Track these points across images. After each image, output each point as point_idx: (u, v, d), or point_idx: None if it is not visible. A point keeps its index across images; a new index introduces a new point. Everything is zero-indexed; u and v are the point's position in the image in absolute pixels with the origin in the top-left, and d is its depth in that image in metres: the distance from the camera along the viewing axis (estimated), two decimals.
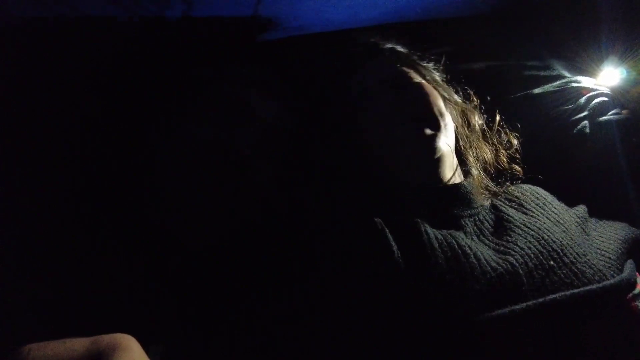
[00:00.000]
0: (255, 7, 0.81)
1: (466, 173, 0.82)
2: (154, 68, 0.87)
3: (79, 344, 0.34)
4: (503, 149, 0.89)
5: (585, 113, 0.97)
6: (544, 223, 0.71)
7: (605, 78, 1.03)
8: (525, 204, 0.78)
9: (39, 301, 0.61)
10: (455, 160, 0.81)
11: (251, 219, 0.74)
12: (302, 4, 0.84)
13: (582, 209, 0.81)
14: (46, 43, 0.77)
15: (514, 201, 0.79)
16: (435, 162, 0.75)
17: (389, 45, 0.85)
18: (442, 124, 0.76)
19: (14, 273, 0.63)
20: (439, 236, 0.63)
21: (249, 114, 0.77)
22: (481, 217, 0.72)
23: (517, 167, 0.89)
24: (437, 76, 0.88)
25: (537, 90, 1.02)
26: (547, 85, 1.04)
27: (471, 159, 0.83)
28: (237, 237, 0.72)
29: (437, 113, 0.77)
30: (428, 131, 0.74)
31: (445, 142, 0.75)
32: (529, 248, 0.64)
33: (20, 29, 0.74)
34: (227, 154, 0.73)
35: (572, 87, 1.02)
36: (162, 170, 0.76)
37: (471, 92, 0.91)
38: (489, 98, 0.92)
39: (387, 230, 0.64)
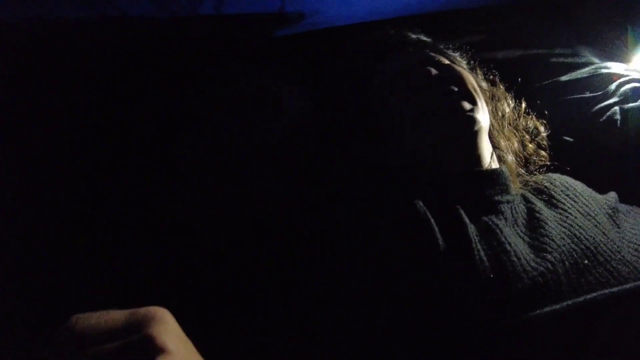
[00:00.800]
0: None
1: (500, 159, 0.80)
2: (185, 63, 0.88)
3: (120, 315, 0.35)
4: (529, 136, 0.87)
5: (615, 99, 0.94)
6: (576, 218, 0.69)
7: (639, 63, 1.01)
8: (555, 195, 0.76)
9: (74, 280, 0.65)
10: (490, 145, 0.79)
11: (282, 209, 0.74)
12: None
13: (612, 197, 0.78)
14: (79, 41, 0.80)
15: (544, 192, 0.77)
16: (474, 135, 0.71)
17: (415, 36, 0.83)
18: (477, 100, 0.74)
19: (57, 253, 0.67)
20: (477, 232, 0.61)
21: (277, 106, 0.78)
22: (515, 206, 0.70)
23: (543, 153, 0.87)
24: (464, 64, 0.87)
25: (564, 78, 1.00)
26: (575, 72, 1.01)
27: (503, 145, 0.81)
28: (269, 228, 0.73)
29: (472, 89, 0.74)
30: (467, 104, 0.71)
31: (483, 115, 0.73)
32: (564, 245, 0.62)
33: (57, 26, 0.77)
34: (257, 145, 0.74)
35: (602, 73, 0.99)
36: (196, 162, 0.77)
37: (497, 80, 0.90)
38: (515, 86, 0.91)
39: (431, 220, 0.61)
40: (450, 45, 0.90)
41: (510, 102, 0.87)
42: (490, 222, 0.63)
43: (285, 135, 0.78)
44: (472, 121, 0.70)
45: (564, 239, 0.64)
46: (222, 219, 0.74)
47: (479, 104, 0.74)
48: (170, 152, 0.81)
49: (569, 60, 1.03)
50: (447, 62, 0.80)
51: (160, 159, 0.81)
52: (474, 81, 0.78)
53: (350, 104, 0.82)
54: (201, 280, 0.68)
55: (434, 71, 0.74)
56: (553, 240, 0.63)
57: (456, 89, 0.73)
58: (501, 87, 0.89)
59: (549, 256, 0.60)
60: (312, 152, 0.81)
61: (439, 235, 0.59)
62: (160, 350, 0.33)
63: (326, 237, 0.66)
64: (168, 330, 0.35)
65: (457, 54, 0.89)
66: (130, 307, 0.37)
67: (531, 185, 0.80)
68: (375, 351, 0.55)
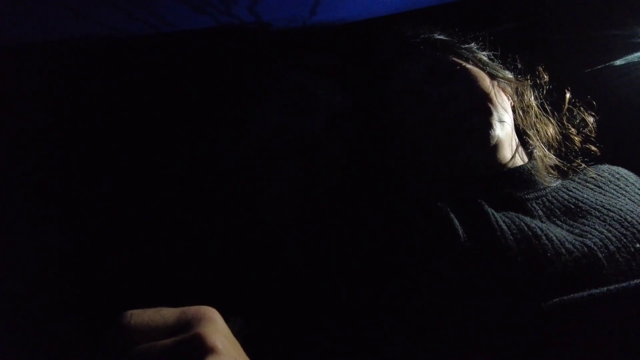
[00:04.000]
0: None
1: (530, 154, 0.77)
2: (227, 63, 0.93)
3: (171, 312, 0.36)
4: (575, 128, 0.82)
5: None
6: (626, 204, 0.65)
7: None
8: (602, 185, 0.72)
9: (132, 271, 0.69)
10: (515, 141, 0.76)
11: (321, 201, 0.77)
12: None
13: None
14: (122, 48, 0.86)
15: (590, 182, 0.74)
16: (491, 150, 0.71)
17: (423, 36, 0.81)
18: (492, 109, 0.71)
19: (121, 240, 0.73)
20: (506, 219, 0.61)
21: (315, 101, 0.80)
22: (550, 198, 0.68)
23: (592, 147, 0.81)
24: (483, 55, 0.83)
25: (619, 62, 0.93)
26: (632, 55, 0.94)
27: (533, 138, 0.78)
28: (309, 218, 0.76)
29: (484, 98, 0.72)
30: (478, 120, 0.70)
31: (500, 127, 0.71)
32: (609, 231, 0.60)
33: (100, 35, 0.83)
34: (296, 141, 0.76)
35: None
36: (244, 153, 0.81)
37: (540, 69, 0.84)
38: (561, 73, 0.87)
39: (451, 214, 0.62)
40: (468, 37, 0.85)
41: (532, 91, 0.82)
42: (516, 215, 0.62)
43: (324, 130, 0.79)
44: (487, 139, 0.69)
45: (610, 224, 0.61)
46: (271, 202, 0.76)
47: (494, 112, 0.71)
48: (215, 148, 0.86)
49: (625, 41, 0.95)
50: (459, 64, 0.77)
51: (205, 155, 0.86)
52: (487, 84, 0.75)
53: (373, 105, 0.83)
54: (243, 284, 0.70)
55: (436, 94, 0.72)
56: (595, 227, 0.61)
57: (467, 103, 0.71)
58: (544, 76, 0.84)
59: (588, 241, 0.58)
60: (349, 147, 0.82)
61: (459, 227, 0.60)
62: (210, 349, 0.34)
63: (353, 233, 0.68)
64: (218, 330, 0.36)
65: (473, 45, 0.84)
66: (182, 305, 0.38)
67: (577, 176, 0.77)
68: (407, 339, 0.56)
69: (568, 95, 0.84)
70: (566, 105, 0.83)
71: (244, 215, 0.77)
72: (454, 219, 0.61)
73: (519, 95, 0.81)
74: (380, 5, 0.94)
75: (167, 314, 0.36)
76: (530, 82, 0.83)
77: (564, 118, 0.83)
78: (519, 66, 0.85)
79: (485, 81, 0.75)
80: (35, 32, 0.79)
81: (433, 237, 0.61)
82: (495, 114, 0.71)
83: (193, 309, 0.37)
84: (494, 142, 0.70)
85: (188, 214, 0.78)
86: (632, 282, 0.53)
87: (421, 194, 0.69)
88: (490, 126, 0.70)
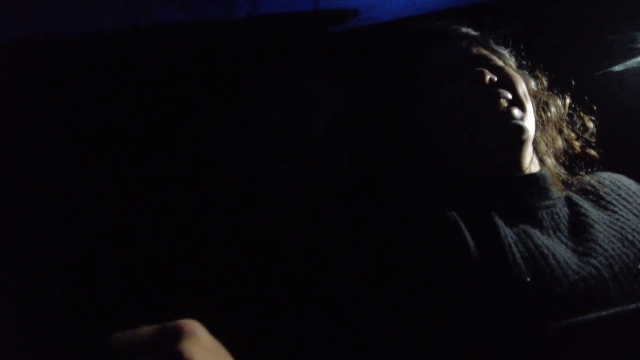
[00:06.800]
0: (315, 2, 0.83)
1: (540, 162, 0.77)
2: (227, 65, 0.92)
3: (150, 330, 0.36)
4: (575, 134, 0.82)
5: None
6: (628, 220, 0.66)
7: None
8: (605, 195, 0.72)
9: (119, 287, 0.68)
10: (532, 148, 0.76)
11: (324, 205, 0.77)
12: None
13: None
14: (123, 51, 0.85)
15: (591, 193, 0.74)
16: (520, 144, 0.70)
17: (465, 30, 0.81)
18: (527, 106, 0.73)
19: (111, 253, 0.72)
20: (513, 236, 0.60)
21: (314, 104, 0.80)
22: (557, 211, 0.68)
23: (592, 152, 0.82)
24: (513, 63, 0.84)
25: (618, 68, 0.94)
26: (631, 61, 0.95)
27: (543, 147, 0.78)
28: (310, 224, 0.76)
29: (522, 95, 0.73)
30: (517, 112, 0.70)
31: (532, 126, 0.72)
32: (613, 250, 0.60)
33: (99, 38, 0.82)
34: (297, 142, 0.76)
35: None
36: (245, 154, 0.80)
37: (539, 74, 0.84)
38: (562, 81, 0.87)
39: (461, 224, 0.62)
40: (499, 40, 0.86)
41: (558, 102, 0.83)
42: (523, 231, 0.62)
43: (325, 132, 0.79)
44: (521, 130, 0.69)
45: (613, 242, 0.61)
46: (271, 206, 0.76)
47: (528, 111, 0.72)
48: (217, 149, 0.85)
49: (624, 47, 0.96)
50: (500, 63, 0.78)
51: (206, 155, 0.85)
52: (524, 85, 0.76)
53: (394, 98, 0.81)
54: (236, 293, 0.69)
55: (488, 74, 0.72)
56: (599, 244, 0.61)
57: (508, 95, 0.72)
58: (544, 82, 0.84)
59: (594, 261, 0.58)
60: (350, 149, 0.82)
61: (470, 241, 0.59)
62: None
63: (354, 235, 0.68)
64: (197, 344, 0.36)
65: (506, 52, 0.85)
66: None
67: (578, 186, 0.77)
68: (407, 347, 0.56)
69: (568, 100, 0.84)
70: (566, 110, 0.84)
71: (245, 215, 0.76)
72: (465, 231, 0.61)
73: (539, 105, 0.81)
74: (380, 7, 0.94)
75: (145, 332, 0.36)
76: (555, 94, 0.83)
77: (564, 123, 0.83)
78: (537, 73, 0.85)
79: (522, 83, 0.76)
80: (33, 31, 0.78)
81: (442, 245, 0.61)
82: (528, 109, 0.73)
83: (172, 324, 0.36)
84: (525, 137, 0.70)
85: (189, 214, 0.77)
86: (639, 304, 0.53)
87: (426, 197, 0.69)
88: (525, 120, 0.71)
